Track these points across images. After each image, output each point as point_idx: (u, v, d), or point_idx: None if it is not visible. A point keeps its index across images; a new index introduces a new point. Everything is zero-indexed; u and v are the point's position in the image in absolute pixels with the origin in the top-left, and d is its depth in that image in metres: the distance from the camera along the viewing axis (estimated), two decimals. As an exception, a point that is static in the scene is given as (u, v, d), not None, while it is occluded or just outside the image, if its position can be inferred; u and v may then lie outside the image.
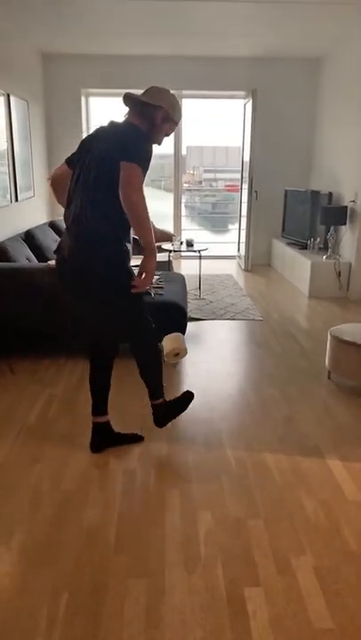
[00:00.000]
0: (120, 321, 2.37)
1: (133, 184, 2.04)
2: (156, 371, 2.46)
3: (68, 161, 2.32)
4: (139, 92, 2.28)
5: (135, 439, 2.57)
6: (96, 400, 2.49)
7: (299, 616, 1.59)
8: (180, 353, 2.67)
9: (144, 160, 2.11)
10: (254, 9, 4.47)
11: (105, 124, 2.27)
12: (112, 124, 2.25)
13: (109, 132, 2.22)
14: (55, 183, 2.37)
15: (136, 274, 2.26)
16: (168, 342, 2.67)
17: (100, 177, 2.13)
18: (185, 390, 2.59)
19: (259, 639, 1.51)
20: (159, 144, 2.33)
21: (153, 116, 2.23)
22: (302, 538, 1.93)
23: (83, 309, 2.52)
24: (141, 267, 2.22)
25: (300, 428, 2.74)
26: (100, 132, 2.25)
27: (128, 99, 2.25)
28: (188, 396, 2.56)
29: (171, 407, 2.52)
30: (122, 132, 2.19)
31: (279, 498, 2.16)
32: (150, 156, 2.18)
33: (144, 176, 2.12)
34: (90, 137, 2.28)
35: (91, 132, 2.32)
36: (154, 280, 4.00)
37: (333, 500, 2.15)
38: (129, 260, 2.34)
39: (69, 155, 2.34)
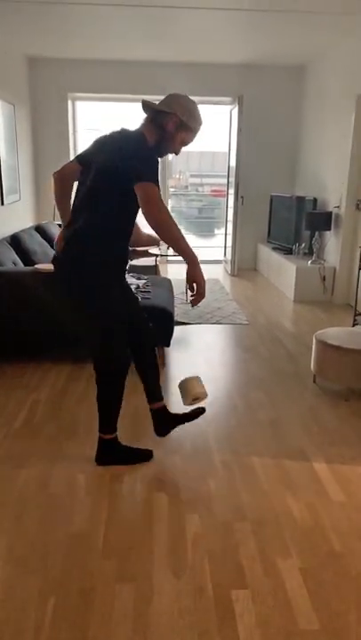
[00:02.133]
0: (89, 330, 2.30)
1: (153, 202, 1.99)
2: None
3: (80, 158, 2.25)
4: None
5: (145, 457, 2.46)
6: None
7: (285, 617, 1.60)
8: (199, 397, 2.40)
9: (153, 174, 2.05)
10: (239, 17, 4.52)
11: (117, 129, 2.20)
12: (122, 132, 2.17)
13: (116, 143, 2.14)
14: (61, 179, 2.29)
15: (139, 284, 2.26)
16: (189, 386, 2.40)
17: (100, 188, 2.12)
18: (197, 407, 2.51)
19: (246, 641, 1.52)
20: (176, 153, 2.23)
21: (164, 124, 2.14)
22: (288, 540, 1.95)
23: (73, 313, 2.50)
24: (188, 278, 2.11)
25: (286, 431, 2.77)
26: (110, 139, 2.18)
27: (145, 106, 2.19)
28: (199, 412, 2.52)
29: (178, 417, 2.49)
30: (129, 146, 2.10)
31: (265, 500, 2.18)
32: (157, 167, 2.11)
33: (158, 188, 2.05)
34: (102, 140, 2.21)
35: (105, 133, 2.23)
36: (141, 284, 4.01)
37: (319, 502, 2.17)
38: (116, 272, 2.29)
39: (81, 152, 2.29)
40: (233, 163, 6.63)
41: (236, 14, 4.46)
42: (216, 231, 10.45)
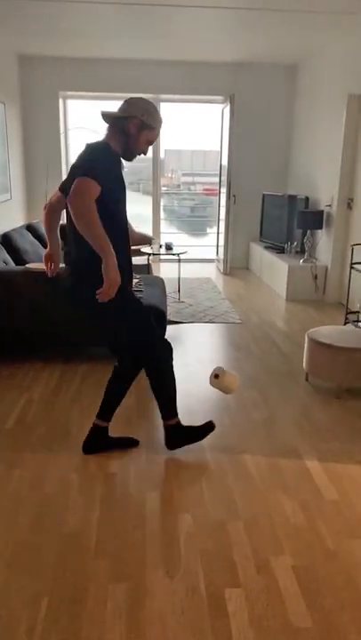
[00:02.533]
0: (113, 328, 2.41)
1: (78, 194, 2.00)
2: (166, 388, 2.45)
3: (60, 186, 2.34)
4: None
5: (131, 443, 2.56)
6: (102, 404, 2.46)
7: (278, 615, 1.61)
8: (228, 392, 2.58)
9: (99, 172, 2.05)
10: (232, 15, 4.52)
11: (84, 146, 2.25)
12: (86, 147, 2.22)
13: (79, 160, 2.20)
14: (49, 211, 2.38)
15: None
16: (231, 380, 2.55)
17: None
18: (208, 421, 2.58)
19: (239, 639, 1.53)
20: (144, 153, 2.30)
21: (126, 129, 2.20)
22: (281, 538, 1.95)
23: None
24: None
25: (278, 430, 2.77)
26: (77, 159, 2.23)
27: (105, 116, 2.24)
28: (209, 427, 2.54)
29: (186, 432, 2.51)
30: (82, 154, 2.19)
31: (258, 499, 2.18)
32: (112, 168, 2.15)
33: (106, 190, 2.05)
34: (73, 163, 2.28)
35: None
36: (133, 283, 4.00)
37: (312, 501, 2.18)
38: (124, 279, 2.27)
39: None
40: (225, 161, 6.63)
41: (228, 13, 4.46)
42: (208, 230, 10.45)
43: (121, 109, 2.24)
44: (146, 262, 5.35)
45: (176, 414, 2.48)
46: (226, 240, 6.69)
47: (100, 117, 2.25)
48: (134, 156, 2.31)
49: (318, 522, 2.05)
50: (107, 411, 2.46)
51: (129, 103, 2.24)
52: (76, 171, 2.11)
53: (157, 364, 2.40)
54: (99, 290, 2.10)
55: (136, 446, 2.55)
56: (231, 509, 2.11)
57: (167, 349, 2.40)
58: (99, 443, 2.49)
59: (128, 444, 2.55)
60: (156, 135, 2.30)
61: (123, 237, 2.26)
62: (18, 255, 4.31)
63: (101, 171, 2.08)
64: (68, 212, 2.22)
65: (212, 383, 2.57)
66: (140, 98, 2.27)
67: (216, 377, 2.54)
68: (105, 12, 4.48)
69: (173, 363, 2.44)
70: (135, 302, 2.39)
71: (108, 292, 2.10)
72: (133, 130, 2.21)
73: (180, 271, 5.70)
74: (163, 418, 2.48)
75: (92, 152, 2.18)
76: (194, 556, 1.85)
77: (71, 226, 2.19)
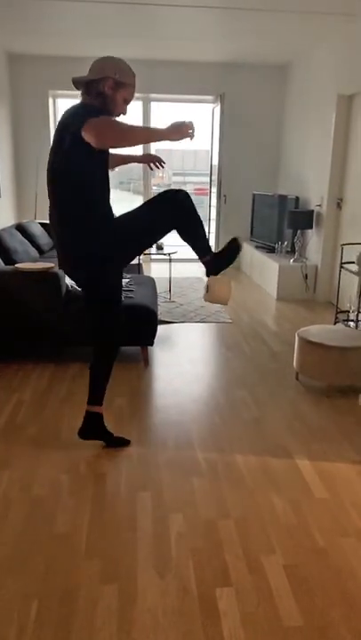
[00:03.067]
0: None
1: (105, 127, 1.99)
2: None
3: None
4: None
5: (122, 442, 2.56)
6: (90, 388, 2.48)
7: (269, 614, 1.61)
8: (222, 297, 2.43)
9: (96, 112, 2.06)
10: (222, 15, 4.52)
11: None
12: (64, 112, 2.19)
13: (62, 119, 2.17)
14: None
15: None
16: (225, 289, 2.44)
17: (57, 162, 2.13)
18: (231, 239, 2.48)
19: (230, 639, 1.53)
20: (124, 113, 2.26)
21: (101, 90, 2.15)
22: (272, 537, 1.96)
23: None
24: (181, 131, 2.06)
25: (269, 429, 2.78)
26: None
27: (76, 83, 2.21)
28: (235, 245, 2.46)
29: (219, 257, 2.46)
30: (69, 111, 2.15)
31: (249, 498, 2.19)
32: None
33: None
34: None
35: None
36: (124, 283, 3.99)
37: (302, 499, 2.19)
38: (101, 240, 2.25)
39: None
40: (215, 161, 6.64)
41: (218, 12, 4.46)
42: (199, 230, 10.43)
43: (92, 72, 2.18)
44: (137, 262, 5.34)
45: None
46: (217, 240, 6.70)
47: (72, 84, 2.21)
48: (112, 117, 2.23)
49: (309, 520, 2.06)
50: (93, 394, 2.46)
51: (98, 63, 2.18)
52: (81, 117, 2.03)
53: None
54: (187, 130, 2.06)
55: (128, 445, 2.55)
56: (222, 508, 2.12)
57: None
58: (94, 428, 2.49)
59: (120, 442, 2.54)
60: (133, 92, 2.24)
61: (105, 188, 2.25)
62: (7, 255, 4.29)
63: (99, 113, 2.07)
64: (50, 206, 2.21)
65: (205, 299, 2.47)
66: (110, 56, 2.21)
67: (207, 289, 2.45)
68: (95, 11, 4.46)
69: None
70: (118, 289, 2.41)
71: (186, 130, 2.06)
72: (109, 90, 2.16)
73: (171, 271, 5.70)
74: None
75: (84, 107, 2.13)
76: (185, 556, 1.85)
77: (52, 217, 2.20)
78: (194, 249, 2.41)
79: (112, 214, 2.29)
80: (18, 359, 3.60)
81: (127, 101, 2.24)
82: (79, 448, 2.52)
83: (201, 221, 2.34)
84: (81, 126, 2.01)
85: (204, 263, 2.42)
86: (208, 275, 2.44)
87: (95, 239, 2.20)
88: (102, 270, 2.29)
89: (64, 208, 2.19)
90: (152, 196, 7.43)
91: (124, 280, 4.08)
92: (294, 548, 1.91)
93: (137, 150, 2.55)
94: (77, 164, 2.11)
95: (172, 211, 2.26)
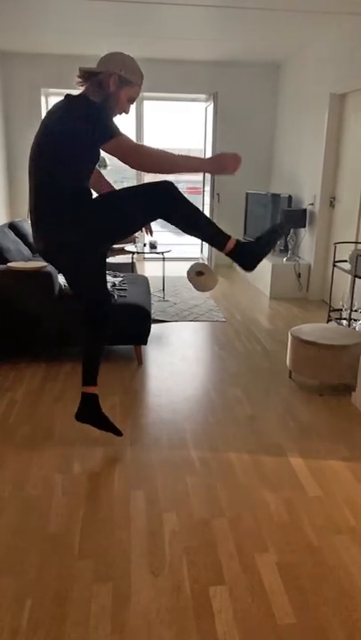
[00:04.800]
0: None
1: (132, 151, 1.99)
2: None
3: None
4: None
5: (115, 431, 2.50)
6: (84, 369, 2.43)
7: (263, 612, 1.62)
8: (209, 286, 2.33)
9: (114, 123, 2.04)
10: (215, 14, 4.52)
11: (61, 99, 2.16)
12: (68, 99, 2.11)
13: (68, 109, 2.10)
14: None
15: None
16: (206, 279, 2.33)
17: (58, 135, 2.06)
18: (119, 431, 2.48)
19: (224, 637, 1.53)
20: (126, 112, 2.21)
21: (105, 84, 2.09)
22: (265, 535, 1.96)
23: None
24: (226, 166, 2.02)
25: (262, 427, 2.79)
26: (56, 108, 2.13)
27: (80, 71, 2.15)
28: (116, 431, 2.46)
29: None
30: (82, 101, 2.08)
31: (243, 496, 2.19)
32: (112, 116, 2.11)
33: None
34: (46, 115, 2.19)
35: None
36: (117, 282, 3.98)
37: (295, 497, 2.19)
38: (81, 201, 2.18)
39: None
40: (209, 160, 6.63)
41: (211, 11, 4.46)
42: (193, 228, 10.43)
43: (98, 65, 2.14)
44: (130, 261, 5.33)
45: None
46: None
47: (78, 73, 2.15)
48: (115, 115, 2.19)
49: (302, 518, 2.07)
50: (87, 374, 2.40)
51: (106, 57, 2.13)
52: (108, 125, 2.00)
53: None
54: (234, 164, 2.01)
55: (120, 436, 2.52)
56: (216, 507, 2.12)
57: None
58: (89, 412, 2.44)
59: (113, 429, 2.48)
60: (138, 92, 2.18)
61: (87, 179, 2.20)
62: (0, 254, 4.26)
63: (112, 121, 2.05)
64: (31, 193, 2.14)
65: (191, 279, 2.33)
66: (118, 52, 2.15)
67: (199, 274, 2.32)
68: (87, 9, 4.45)
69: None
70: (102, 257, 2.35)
71: (231, 163, 2.02)
72: (113, 87, 2.10)
73: (165, 270, 5.69)
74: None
75: (104, 110, 2.07)
76: (178, 555, 1.85)
77: (33, 203, 2.13)
78: (207, 241, 2.29)
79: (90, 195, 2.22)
80: (10, 358, 3.58)
81: (132, 100, 2.18)
82: (72, 447, 2.51)
83: (197, 209, 2.17)
84: (107, 136, 1.98)
85: (228, 255, 2.18)
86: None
87: (76, 218, 2.10)
88: (81, 251, 2.20)
89: (49, 180, 2.09)
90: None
91: (116, 279, 4.08)
92: (288, 545, 1.91)
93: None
94: (78, 152, 2.05)
95: (159, 198, 2.12)
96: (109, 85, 2.11)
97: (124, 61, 2.12)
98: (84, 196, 2.16)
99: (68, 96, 2.13)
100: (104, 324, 2.41)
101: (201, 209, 7.33)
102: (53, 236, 2.16)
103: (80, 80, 2.16)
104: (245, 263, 2.19)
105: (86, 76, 2.14)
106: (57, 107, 2.15)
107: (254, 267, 2.20)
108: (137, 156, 2.02)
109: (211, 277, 2.33)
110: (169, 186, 2.08)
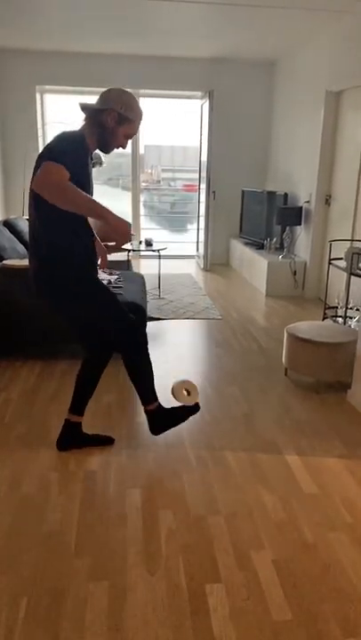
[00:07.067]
0: (89, 322, 2.39)
1: (48, 173, 1.91)
2: (146, 374, 2.41)
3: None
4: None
5: (106, 441, 2.53)
6: (75, 398, 2.45)
7: (258, 609, 1.62)
8: (190, 392, 2.44)
9: (68, 160, 1.97)
10: (210, 10, 4.51)
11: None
12: (58, 135, 2.13)
13: (46, 148, 2.11)
14: None
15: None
16: (177, 393, 2.43)
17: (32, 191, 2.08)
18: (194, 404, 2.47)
19: (220, 634, 1.53)
20: (123, 147, 2.26)
21: (103, 121, 2.15)
22: (261, 532, 1.97)
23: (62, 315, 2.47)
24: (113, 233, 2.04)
25: (259, 425, 2.79)
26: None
27: (82, 108, 2.20)
28: (192, 409, 2.47)
29: (169, 415, 2.45)
30: (54, 141, 2.08)
31: (239, 494, 2.20)
32: (80, 158, 2.08)
33: (73, 178, 1.95)
34: None
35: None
36: (113, 279, 3.97)
37: (291, 494, 2.20)
38: (87, 266, 2.27)
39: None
40: (204, 157, 6.63)
41: (207, 8, 4.45)
42: (189, 226, 10.44)
43: (99, 101, 2.18)
44: (126, 258, 5.32)
45: (156, 398, 2.43)
46: (206, 236, 6.70)
47: (79, 109, 2.20)
48: (111, 149, 2.24)
49: (298, 516, 2.07)
50: (78, 404, 2.44)
51: (107, 94, 2.18)
52: (44, 155, 2.01)
53: (135, 348, 2.35)
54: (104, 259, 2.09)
55: (112, 444, 2.52)
56: (212, 505, 2.12)
57: (142, 334, 2.38)
58: (72, 438, 2.46)
59: (103, 441, 2.52)
60: (136, 129, 2.23)
61: (85, 226, 2.21)
62: (-5, 252, 4.24)
63: (71, 159, 1.99)
64: (30, 213, 2.16)
65: (177, 394, 2.40)
66: (120, 89, 2.20)
67: (188, 393, 2.42)
68: (82, 6, 4.43)
69: (151, 353, 2.42)
70: (103, 289, 2.32)
71: (124, 239, 2.04)
72: (111, 123, 2.15)
73: (161, 267, 5.69)
74: (143, 403, 2.43)
75: (64, 140, 2.09)
76: (175, 553, 1.85)
77: (31, 227, 2.17)
78: (139, 391, 2.42)
79: (92, 257, 2.29)
80: (5, 357, 3.57)
81: (128, 137, 2.23)
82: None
83: (151, 365, 2.39)
84: (39, 165, 1.98)
85: (147, 412, 2.42)
86: (151, 429, 2.47)
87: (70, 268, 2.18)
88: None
89: (48, 225, 2.13)
90: (140, 192, 7.42)
91: (112, 276, 4.07)
92: (284, 543, 1.92)
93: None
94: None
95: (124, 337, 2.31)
96: (108, 122, 2.16)
97: (124, 99, 2.16)
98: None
99: (62, 133, 2.14)
100: (107, 355, 2.44)
101: (197, 206, 7.32)
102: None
103: (87, 117, 2.19)
104: (156, 427, 2.45)
105: (88, 112, 2.19)
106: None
107: (160, 433, 2.48)
108: (44, 181, 1.92)
109: (194, 396, 2.45)
110: (144, 341, 2.33)
